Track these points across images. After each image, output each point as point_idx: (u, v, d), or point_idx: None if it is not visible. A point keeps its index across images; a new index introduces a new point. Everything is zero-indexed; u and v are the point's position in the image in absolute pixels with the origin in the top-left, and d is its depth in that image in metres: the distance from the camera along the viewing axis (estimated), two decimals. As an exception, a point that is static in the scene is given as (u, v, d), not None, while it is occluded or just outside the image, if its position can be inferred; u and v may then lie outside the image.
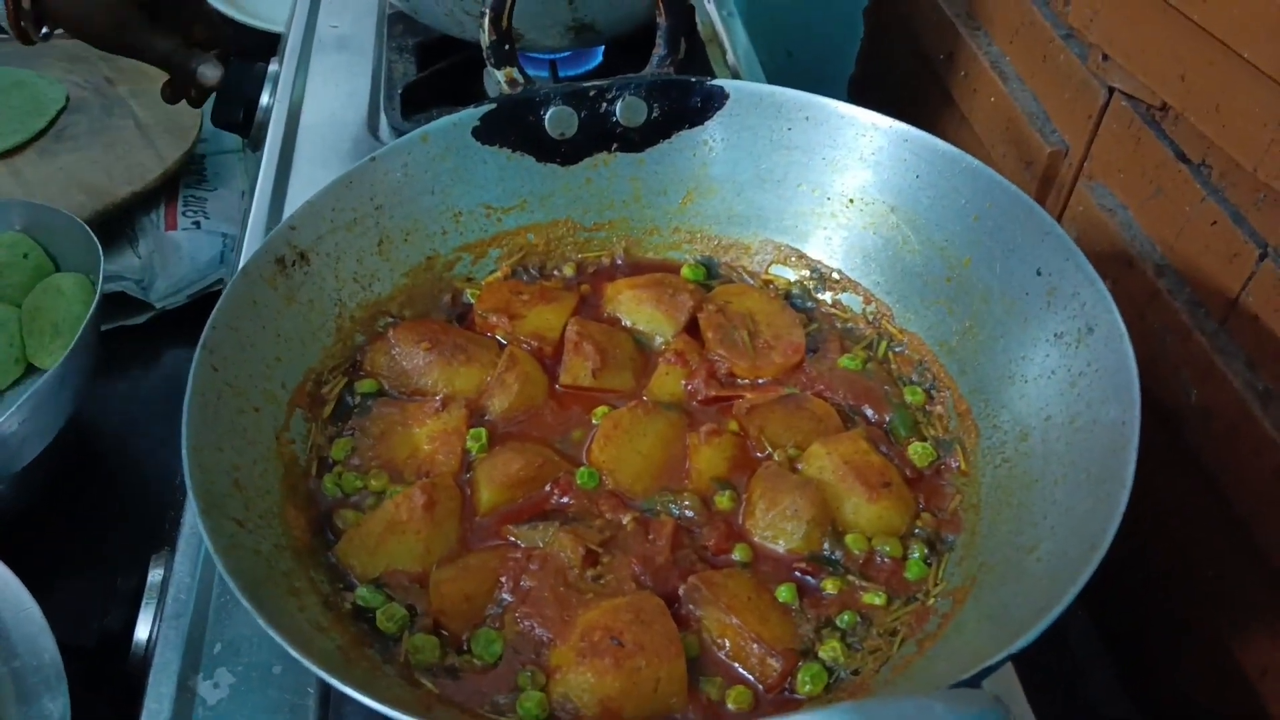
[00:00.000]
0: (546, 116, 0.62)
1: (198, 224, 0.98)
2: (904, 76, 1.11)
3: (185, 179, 1.02)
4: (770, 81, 1.00)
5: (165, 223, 0.98)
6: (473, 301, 0.61)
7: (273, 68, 0.96)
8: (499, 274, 0.63)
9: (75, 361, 0.69)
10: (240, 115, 0.91)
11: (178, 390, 0.80)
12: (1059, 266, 0.51)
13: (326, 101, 0.91)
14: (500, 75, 0.61)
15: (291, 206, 0.81)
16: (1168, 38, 0.64)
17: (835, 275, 0.63)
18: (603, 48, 0.91)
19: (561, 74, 0.89)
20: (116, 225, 0.95)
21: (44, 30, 0.85)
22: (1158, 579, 0.65)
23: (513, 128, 0.62)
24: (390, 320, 0.59)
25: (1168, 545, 0.64)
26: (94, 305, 0.72)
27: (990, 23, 0.92)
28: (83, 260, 0.79)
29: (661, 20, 0.61)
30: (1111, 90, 0.71)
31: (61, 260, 0.82)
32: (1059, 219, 0.81)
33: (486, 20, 0.59)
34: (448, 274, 0.62)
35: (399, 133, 0.85)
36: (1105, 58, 0.71)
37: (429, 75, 0.88)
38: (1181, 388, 0.64)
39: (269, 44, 1.05)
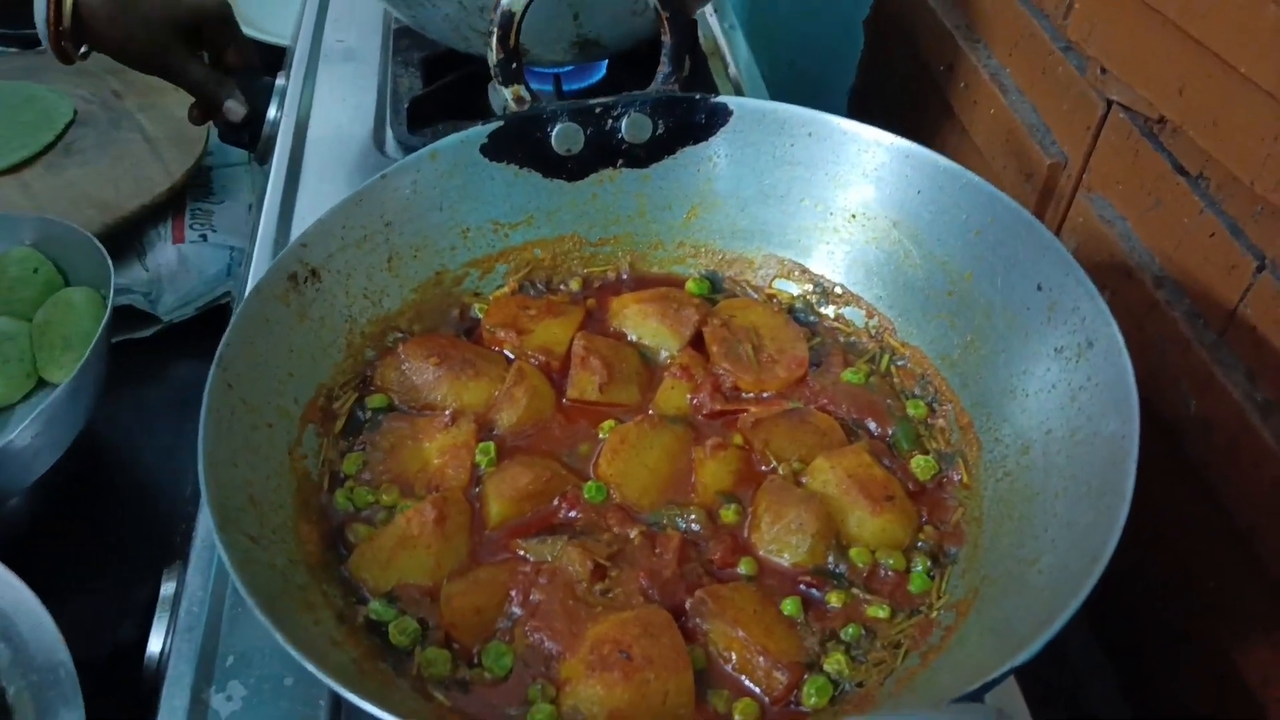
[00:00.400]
0: (553, 134, 0.62)
1: (205, 237, 0.99)
2: (905, 87, 1.11)
3: (192, 191, 1.03)
4: (772, 92, 1.02)
5: (173, 235, 0.98)
6: (480, 316, 0.62)
7: (279, 82, 0.97)
8: (506, 289, 0.64)
9: (86, 375, 0.70)
10: (246, 132, 0.92)
11: (185, 402, 0.81)
12: (1059, 281, 0.52)
13: (333, 115, 0.92)
14: (507, 93, 0.61)
15: (300, 220, 0.82)
16: (1166, 52, 0.65)
17: (838, 289, 0.63)
18: (606, 62, 0.91)
19: (566, 88, 0.90)
20: (124, 238, 0.96)
21: (83, 50, 0.86)
22: (1158, 589, 0.66)
23: (520, 145, 0.62)
24: (400, 335, 0.59)
25: (1168, 556, 0.65)
26: (105, 319, 0.73)
27: (990, 35, 0.92)
28: (93, 274, 0.80)
29: (666, 39, 0.62)
30: (1110, 103, 0.72)
31: (71, 274, 0.83)
32: (1058, 230, 0.82)
33: (494, 39, 0.60)
34: (456, 289, 0.62)
35: (405, 147, 0.86)
36: (1104, 70, 0.72)
37: (435, 90, 0.89)
38: (1181, 399, 0.65)
39: (274, 57, 1.06)
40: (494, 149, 0.62)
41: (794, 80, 1.22)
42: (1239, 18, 0.57)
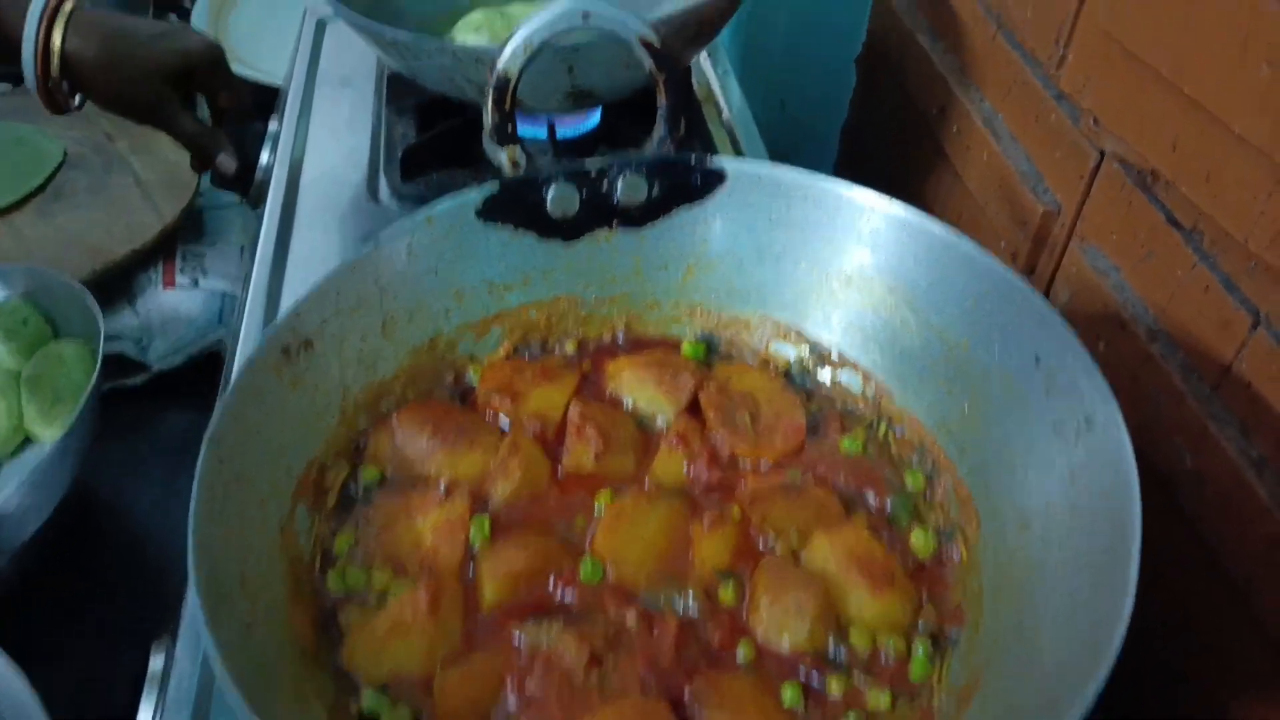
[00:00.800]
0: (548, 196, 0.62)
1: (196, 281, 0.98)
2: (897, 127, 1.11)
3: (183, 234, 1.02)
4: (765, 133, 1.02)
5: (163, 280, 0.98)
6: (475, 380, 0.62)
7: (272, 126, 0.97)
8: (501, 352, 0.63)
9: (77, 433, 0.69)
10: (238, 179, 0.92)
11: (175, 452, 0.80)
12: (1057, 356, 0.52)
13: (326, 161, 0.92)
14: (503, 155, 0.61)
15: (293, 268, 0.81)
16: (1159, 106, 0.65)
17: (834, 354, 0.63)
18: (600, 108, 0.91)
19: (559, 134, 0.90)
20: (114, 283, 0.95)
21: (77, 100, 0.86)
22: (1156, 628, 0.65)
23: (515, 207, 0.62)
24: (393, 403, 0.59)
25: (1166, 596, 0.64)
26: (95, 375, 0.72)
27: (982, 80, 0.92)
28: (83, 325, 0.79)
29: (661, 101, 0.61)
30: (1103, 153, 0.72)
31: (62, 325, 0.82)
32: (1052, 279, 0.82)
33: (489, 102, 0.60)
34: (451, 353, 0.62)
35: (399, 195, 0.86)
36: (1096, 121, 0.72)
37: (429, 138, 0.89)
38: (1176, 453, 0.65)
39: (268, 97, 1.05)
40: (489, 211, 0.62)
41: (787, 120, 1.23)
42: (1232, 76, 0.58)
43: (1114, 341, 0.73)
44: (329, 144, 0.94)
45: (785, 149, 1.22)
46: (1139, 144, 0.68)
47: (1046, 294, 0.83)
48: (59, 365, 0.77)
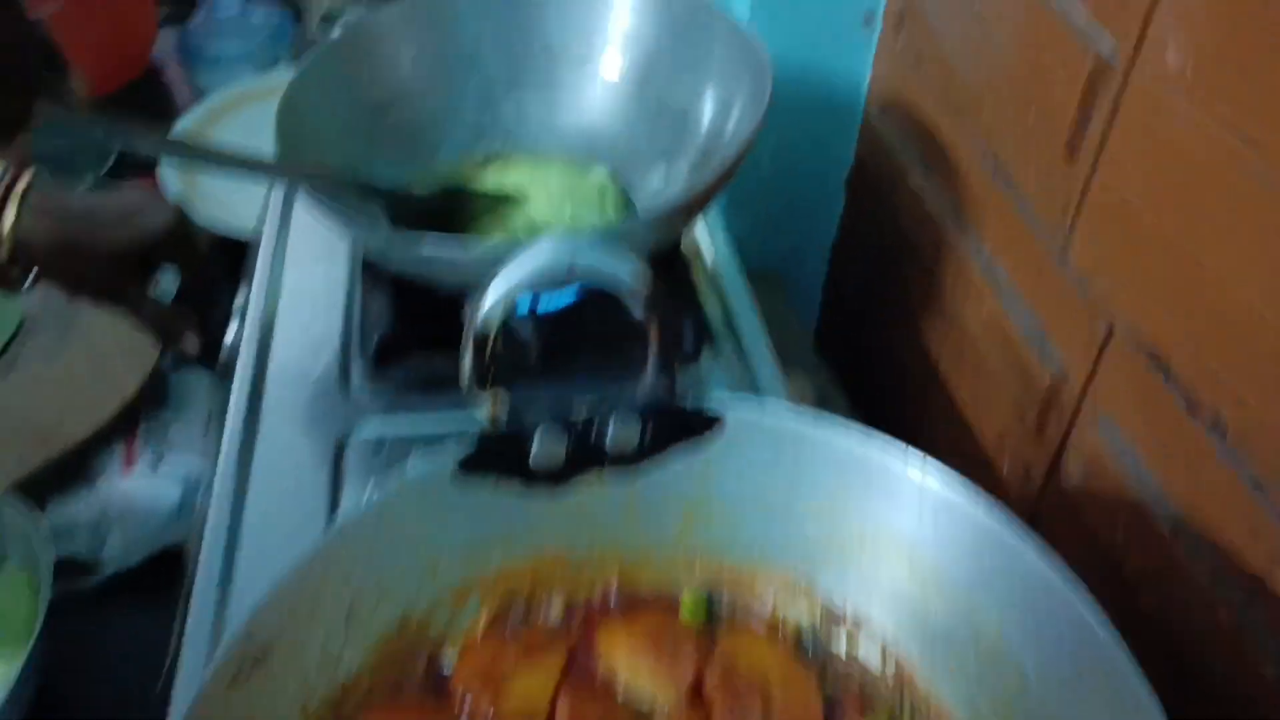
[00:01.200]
0: (533, 449, 0.57)
1: (159, 459, 0.92)
2: (890, 256, 1.06)
3: (145, 400, 0.97)
4: (752, 251, 0.96)
5: (124, 459, 0.92)
6: (450, 663, 0.56)
7: (239, 299, 0.92)
8: (481, 622, 0.57)
9: (24, 679, 0.63)
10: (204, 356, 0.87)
11: (131, 656, 0.73)
12: (1104, 663, 0.46)
13: (298, 339, 0.86)
14: (484, 405, 0.56)
15: (259, 468, 0.76)
16: (1179, 300, 0.60)
17: (849, 617, 0.57)
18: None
19: (540, 309, 0.85)
20: (71, 463, 0.90)
21: (32, 274, 0.81)
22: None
23: (496, 460, 0.57)
24: (358, 702, 0.52)
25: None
26: (41, 615, 0.66)
27: (980, 225, 0.87)
28: (28, 545, 0.74)
29: (653, 344, 0.56)
30: (1112, 327, 0.67)
31: (8, 545, 0.76)
32: (1061, 448, 0.77)
33: (469, 351, 0.55)
34: (424, 633, 0.56)
35: (372, 385, 0.81)
36: (1107, 296, 0.68)
37: (405, 320, 0.84)
38: (1207, 665, 0.60)
39: (238, 251, 1.00)
40: (468, 468, 0.56)
41: (776, 237, 1.18)
42: (1261, 276, 0.53)
43: (1135, 533, 0.68)
44: (300, 319, 0.88)
45: (774, 267, 1.18)
46: (1155, 335, 0.63)
47: (1055, 465, 0.78)
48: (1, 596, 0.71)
